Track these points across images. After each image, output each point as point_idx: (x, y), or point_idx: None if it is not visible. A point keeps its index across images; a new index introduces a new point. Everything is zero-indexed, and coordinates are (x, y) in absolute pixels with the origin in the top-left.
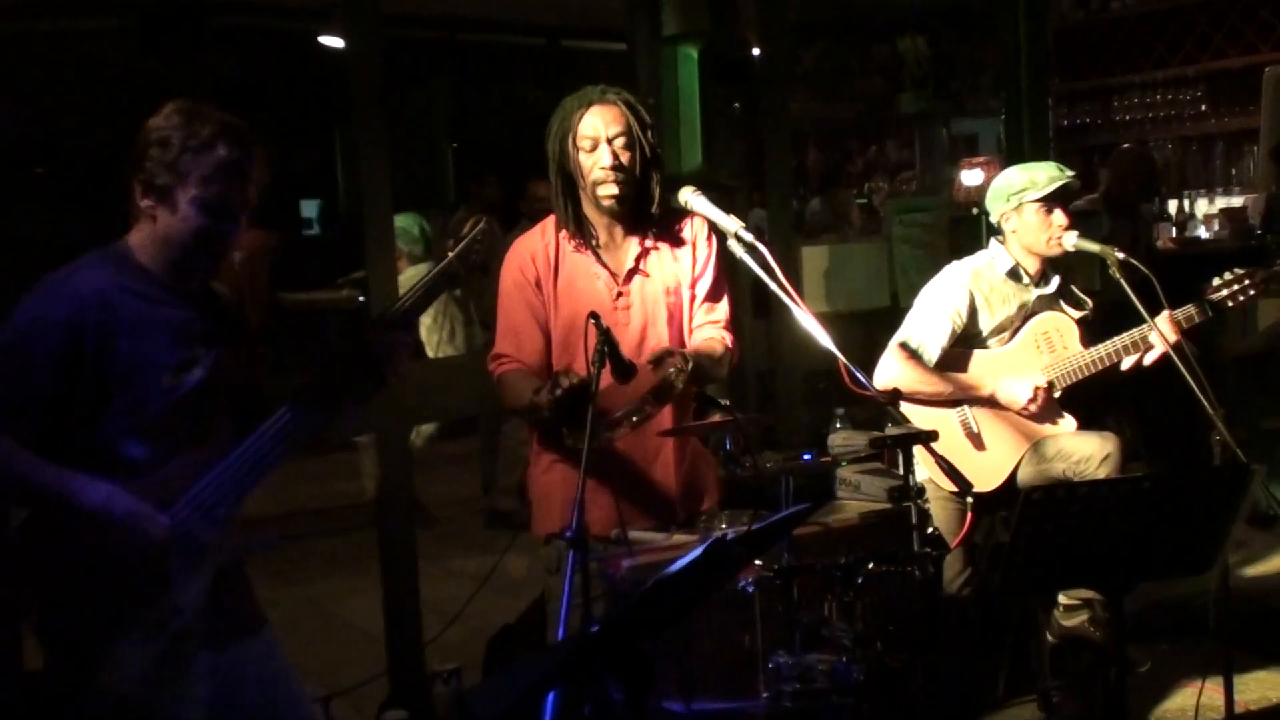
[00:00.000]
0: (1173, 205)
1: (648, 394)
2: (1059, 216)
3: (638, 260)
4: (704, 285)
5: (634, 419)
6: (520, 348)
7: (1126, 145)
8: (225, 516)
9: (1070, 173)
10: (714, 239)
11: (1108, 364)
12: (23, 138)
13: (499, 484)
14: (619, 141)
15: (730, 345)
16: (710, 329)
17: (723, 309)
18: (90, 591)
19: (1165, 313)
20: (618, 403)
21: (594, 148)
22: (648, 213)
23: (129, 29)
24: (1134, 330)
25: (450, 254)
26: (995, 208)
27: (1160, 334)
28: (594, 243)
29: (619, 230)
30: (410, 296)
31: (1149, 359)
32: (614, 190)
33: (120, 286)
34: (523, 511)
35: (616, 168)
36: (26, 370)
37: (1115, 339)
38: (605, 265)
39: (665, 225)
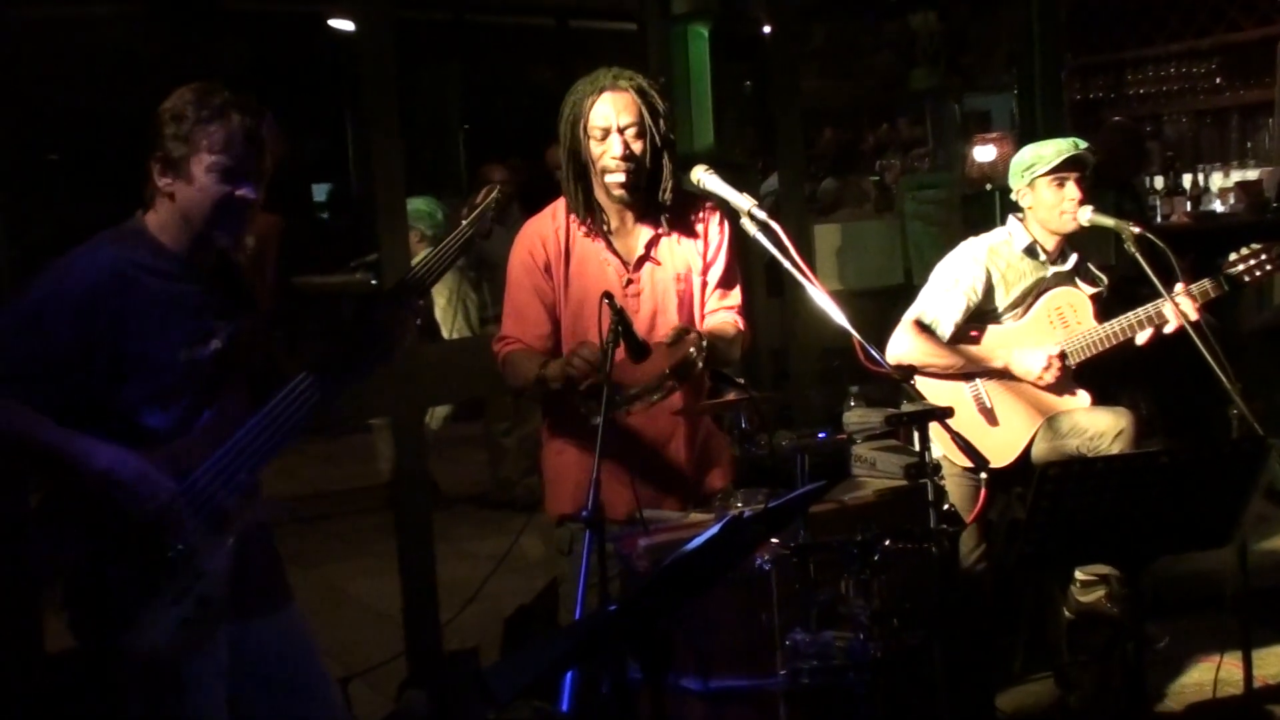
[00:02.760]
0: (1187, 179)
1: (668, 371)
2: (1071, 190)
3: (648, 247)
4: (716, 271)
5: (654, 396)
6: (526, 330)
7: (1116, 119)
8: (246, 483)
9: (1083, 144)
10: (726, 225)
11: (1121, 339)
12: (34, 124)
13: (496, 476)
14: (630, 131)
15: (743, 329)
16: (723, 313)
17: (735, 295)
18: (114, 563)
19: (1180, 286)
20: (632, 384)
21: (605, 137)
22: (659, 199)
23: (139, 14)
24: (1149, 305)
25: (464, 221)
26: (1013, 185)
27: (1176, 309)
28: (605, 228)
29: (630, 216)
30: (428, 263)
31: (1166, 330)
32: (623, 179)
33: (135, 262)
34: (521, 484)
35: (627, 157)
36: (40, 342)
37: (1129, 314)
38: (615, 251)
39: (677, 211)
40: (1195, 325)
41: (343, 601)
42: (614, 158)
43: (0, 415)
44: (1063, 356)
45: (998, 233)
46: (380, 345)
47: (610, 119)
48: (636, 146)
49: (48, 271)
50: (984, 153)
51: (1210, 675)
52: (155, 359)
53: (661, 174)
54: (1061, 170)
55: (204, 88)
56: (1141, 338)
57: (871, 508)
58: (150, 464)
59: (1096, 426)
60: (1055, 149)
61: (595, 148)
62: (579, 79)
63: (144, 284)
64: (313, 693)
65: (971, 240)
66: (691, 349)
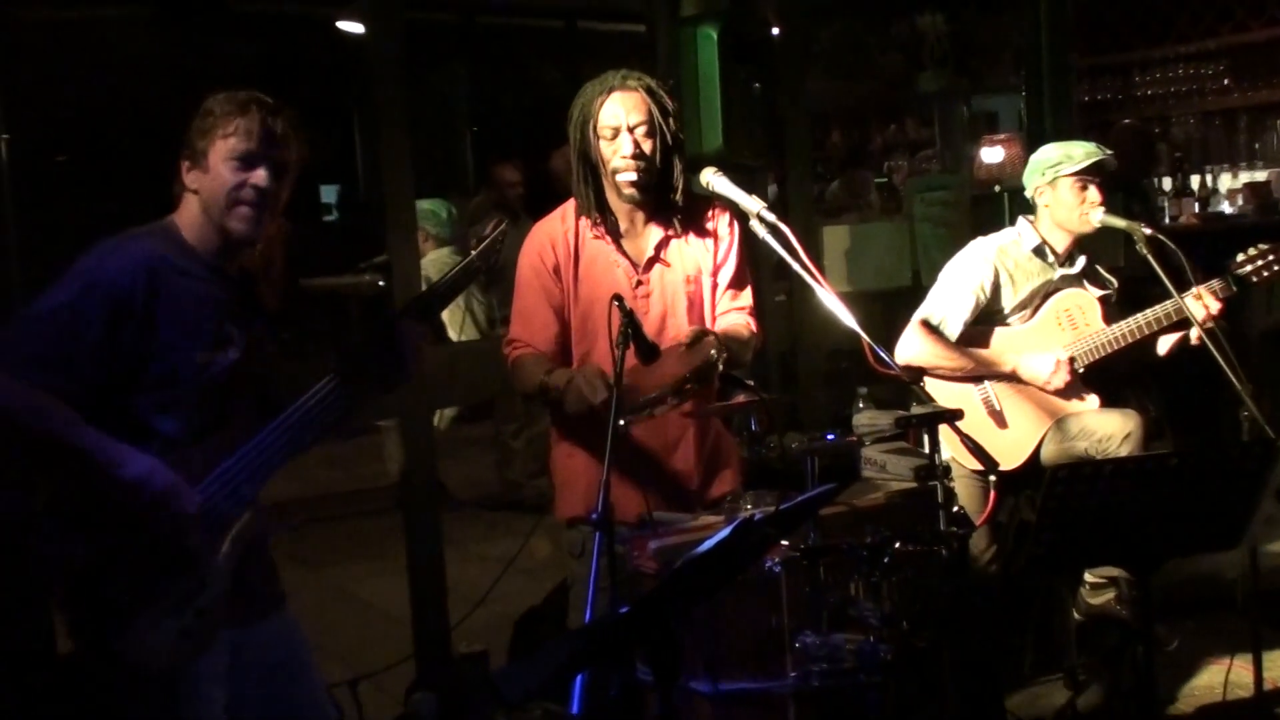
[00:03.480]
0: (1195, 180)
1: (688, 375)
2: (1093, 193)
3: (658, 249)
4: (727, 273)
5: (675, 400)
6: (534, 334)
7: (1127, 121)
8: (251, 495)
9: (1108, 151)
10: (736, 226)
11: (1129, 340)
12: (44, 125)
13: (505, 477)
14: (640, 130)
15: (755, 330)
16: (735, 315)
17: (746, 296)
18: (115, 568)
19: (1191, 292)
20: (647, 388)
21: (615, 136)
22: (670, 200)
23: (147, 16)
24: (1157, 307)
25: (473, 253)
26: (1030, 182)
27: (1202, 305)
28: (614, 230)
29: (640, 217)
30: (435, 289)
31: (1193, 336)
32: (634, 178)
33: (165, 260)
34: (530, 486)
35: (638, 156)
36: (79, 328)
37: (1137, 315)
38: (625, 253)
39: (687, 213)
40: (1208, 327)
41: (351, 603)
42: (624, 157)
43: (38, 409)
44: (1071, 361)
45: (1007, 233)
46: (390, 366)
47: (620, 118)
48: (647, 145)
49: (82, 262)
50: (992, 154)
51: (1220, 678)
52: (175, 357)
53: (672, 174)
54: (1088, 173)
55: (236, 90)
56: (1164, 346)
57: (881, 510)
58: (179, 478)
59: (1105, 429)
60: (1085, 150)
61: (605, 147)
62: (587, 81)
63: (173, 281)
64: (305, 697)
65: (980, 240)
66: (712, 351)
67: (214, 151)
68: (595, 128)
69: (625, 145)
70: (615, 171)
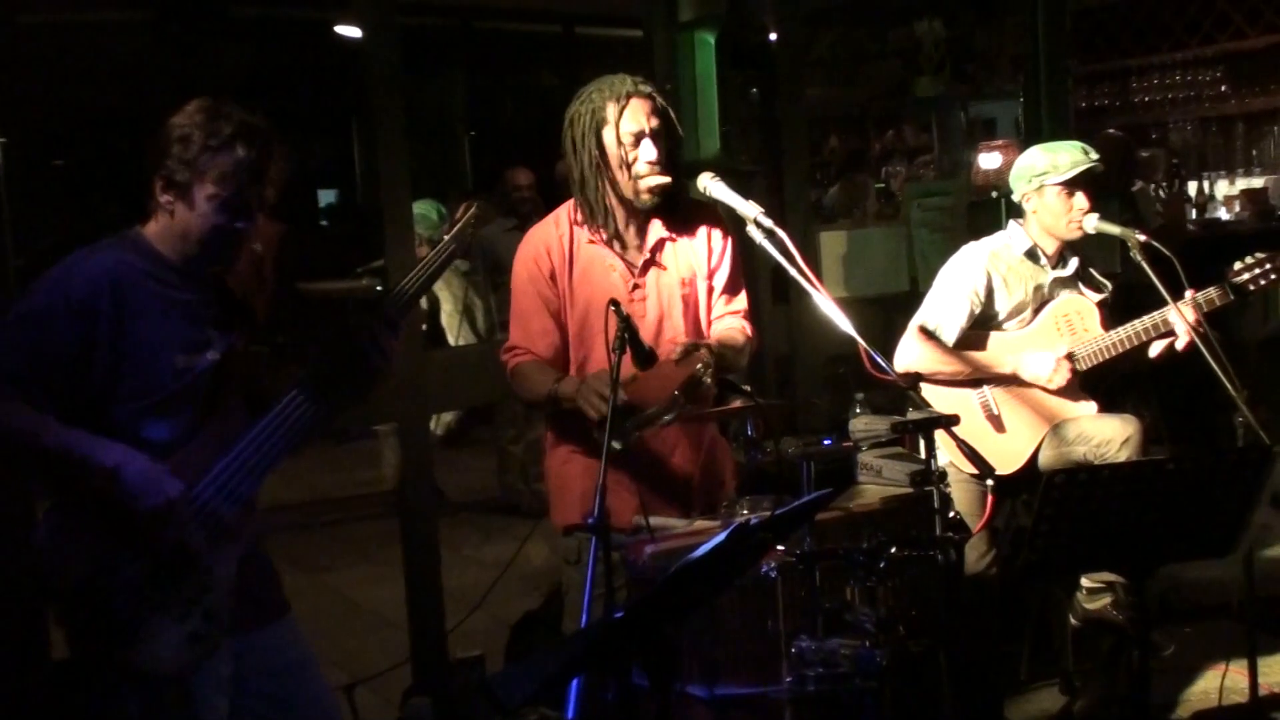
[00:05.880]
0: (1193, 187)
1: (678, 391)
2: (1080, 200)
3: (654, 252)
4: (721, 277)
5: (667, 416)
6: (534, 340)
7: (1108, 131)
8: (247, 495)
9: (1094, 156)
10: (730, 230)
11: (1128, 346)
12: (41, 130)
13: (502, 483)
14: (661, 136)
15: (750, 335)
16: (730, 319)
17: (741, 300)
18: (118, 575)
19: (1188, 294)
20: (643, 405)
21: (638, 143)
22: (674, 203)
23: (145, 20)
24: (1155, 313)
25: (445, 238)
26: (1017, 188)
27: (1180, 315)
28: (611, 234)
29: (636, 221)
30: (412, 278)
31: (1179, 345)
32: (663, 182)
33: (135, 269)
34: (529, 491)
35: (660, 160)
36: (43, 342)
37: (1136, 321)
38: (621, 256)
39: (682, 217)
40: (1202, 334)
41: (348, 608)
42: (650, 162)
43: (6, 416)
44: (1071, 358)
45: (998, 237)
46: (369, 359)
47: (643, 123)
48: (662, 150)
49: (51, 274)
50: (989, 160)
51: (1216, 683)
52: (153, 363)
53: (679, 178)
54: (1073, 181)
55: (214, 110)
56: (1154, 350)
57: (877, 515)
58: (157, 464)
59: (1103, 434)
60: (1070, 159)
61: (629, 153)
62: (586, 85)
63: (143, 287)
64: (311, 707)
65: (972, 245)
66: (699, 365)
67: (197, 189)
68: (617, 133)
69: (649, 151)
70: (639, 177)
